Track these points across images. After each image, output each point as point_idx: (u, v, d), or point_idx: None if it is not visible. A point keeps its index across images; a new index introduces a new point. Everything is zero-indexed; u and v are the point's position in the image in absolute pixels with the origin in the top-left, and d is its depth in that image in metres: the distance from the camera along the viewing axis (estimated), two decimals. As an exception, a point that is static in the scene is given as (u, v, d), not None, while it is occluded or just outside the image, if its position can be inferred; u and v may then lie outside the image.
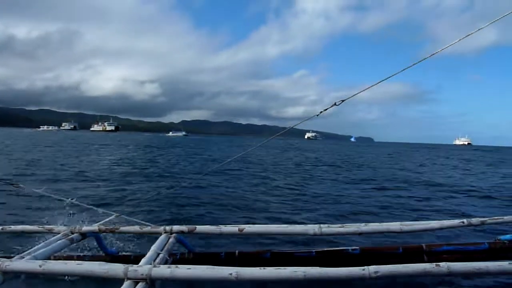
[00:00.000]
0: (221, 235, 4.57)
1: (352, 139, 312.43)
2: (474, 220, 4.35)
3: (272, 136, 5.46)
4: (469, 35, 3.90)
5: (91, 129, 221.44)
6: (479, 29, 3.93)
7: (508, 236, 4.92)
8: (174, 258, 4.44)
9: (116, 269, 3.21)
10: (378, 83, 4.01)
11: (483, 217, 4.43)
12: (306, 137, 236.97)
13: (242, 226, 4.44)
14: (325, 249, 5.06)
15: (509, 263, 3.30)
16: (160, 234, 4.36)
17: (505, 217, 4.45)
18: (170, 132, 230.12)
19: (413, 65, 4.06)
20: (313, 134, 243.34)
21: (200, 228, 4.49)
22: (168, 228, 4.44)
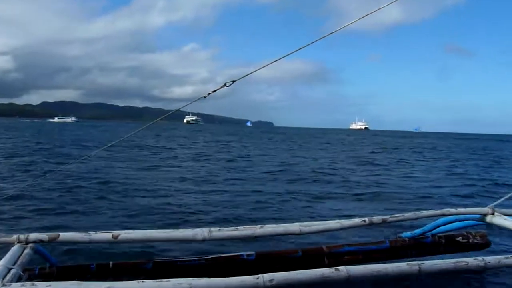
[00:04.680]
0: (90, 243, 4.39)
1: (248, 124, 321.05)
2: (375, 219, 4.70)
3: (149, 123, 5.26)
4: (369, 14, 4.11)
5: None
6: (380, 8, 4.17)
7: (408, 234, 5.46)
8: (32, 274, 4.15)
9: None
10: (274, 61, 4.07)
11: (384, 215, 4.82)
12: (185, 121, 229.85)
13: (117, 232, 4.31)
14: (216, 255, 5.08)
15: (407, 263, 3.66)
16: (13, 244, 4.02)
17: (405, 214, 4.91)
18: (56, 118, 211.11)
19: (315, 41, 4.22)
20: (194, 117, 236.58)
21: (65, 235, 4.24)
22: (23, 236, 4.09)
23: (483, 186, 14.67)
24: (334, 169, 19.68)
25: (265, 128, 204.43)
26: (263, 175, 16.20)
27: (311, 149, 37.23)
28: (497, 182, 15.85)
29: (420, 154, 33.87)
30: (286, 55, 4.11)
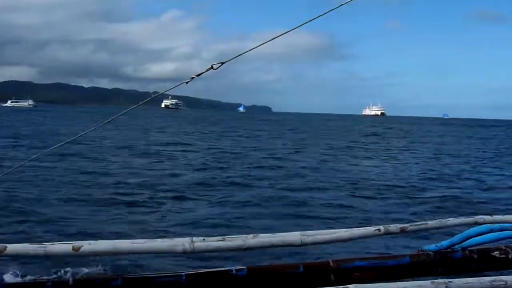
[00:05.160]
0: (46, 256, 4.05)
1: (241, 109, 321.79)
2: (393, 227, 4.39)
3: (121, 112, 4.77)
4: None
5: None
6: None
7: (433, 246, 5.09)
8: None
9: None
10: (274, 39, 3.68)
11: (403, 222, 4.52)
12: (163, 105, 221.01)
13: (79, 243, 3.94)
14: (199, 270, 4.75)
15: (431, 282, 3.40)
16: None
17: (429, 222, 4.59)
18: (9, 102, 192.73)
19: (322, 15, 3.73)
20: (174, 101, 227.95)
21: (14, 247, 3.86)
22: None
23: (432, 175, 14.43)
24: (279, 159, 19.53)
25: (258, 114, 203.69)
26: (168, 167, 15.92)
27: (281, 137, 37.17)
28: (463, 177, 15.82)
29: (416, 142, 34.15)
30: (287, 32, 3.72)
